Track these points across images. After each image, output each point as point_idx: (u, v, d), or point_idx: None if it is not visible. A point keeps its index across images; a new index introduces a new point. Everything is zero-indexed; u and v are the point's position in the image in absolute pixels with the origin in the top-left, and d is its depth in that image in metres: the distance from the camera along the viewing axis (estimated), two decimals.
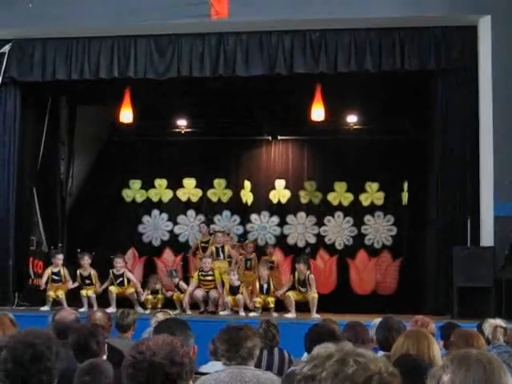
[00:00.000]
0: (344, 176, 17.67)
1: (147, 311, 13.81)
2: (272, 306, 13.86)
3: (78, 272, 14.35)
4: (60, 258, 14.43)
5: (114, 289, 14.05)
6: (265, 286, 14.04)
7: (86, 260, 14.33)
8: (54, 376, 3.44)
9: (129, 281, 14.32)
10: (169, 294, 14.75)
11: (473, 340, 5.88)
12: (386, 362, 2.26)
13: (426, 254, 14.97)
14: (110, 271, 14.25)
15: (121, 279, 14.23)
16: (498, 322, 7.19)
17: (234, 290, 13.84)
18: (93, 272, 14.33)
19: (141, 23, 13.50)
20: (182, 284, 14.47)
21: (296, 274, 13.94)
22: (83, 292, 14.10)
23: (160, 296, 14.62)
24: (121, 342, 6.80)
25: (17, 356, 3.36)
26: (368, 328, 6.65)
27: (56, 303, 13.77)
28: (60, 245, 16.23)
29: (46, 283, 14.10)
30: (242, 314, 13.58)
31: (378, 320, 6.70)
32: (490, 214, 12.61)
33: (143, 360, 2.93)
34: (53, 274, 14.20)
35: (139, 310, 13.89)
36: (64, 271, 14.31)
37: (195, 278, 14.29)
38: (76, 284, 14.31)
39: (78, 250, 14.84)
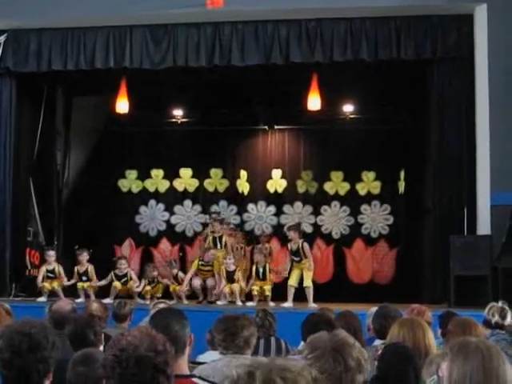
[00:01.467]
0: (340, 165, 17.63)
1: (147, 301, 13.79)
2: (268, 294, 13.85)
3: (75, 269, 14.30)
4: (51, 254, 14.31)
5: (118, 284, 14.05)
6: (261, 269, 14.01)
7: (84, 256, 14.29)
8: (51, 365, 3.44)
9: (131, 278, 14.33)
10: (165, 281, 14.72)
11: (470, 328, 5.88)
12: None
13: (422, 243, 14.98)
14: (112, 272, 14.23)
15: (125, 279, 14.23)
16: (500, 304, 7.22)
17: (229, 275, 13.82)
18: (90, 267, 14.28)
19: (136, 13, 13.48)
20: (181, 274, 14.46)
21: (289, 245, 13.90)
22: (79, 284, 14.10)
23: (160, 285, 14.58)
24: (118, 332, 6.80)
25: (14, 345, 3.36)
26: (360, 317, 6.66)
27: (52, 294, 13.76)
28: (55, 242, 16.19)
29: (42, 280, 14.08)
30: (239, 303, 13.58)
31: (374, 309, 6.71)
32: (486, 203, 12.63)
33: (129, 356, 2.90)
34: (47, 271, 14.15)
35: (139, 300, 13.90)
36: (59, 268, 14.24)
37: (194, 265, 14.30)
38: (72, 281, 14.26)
39: (76, 247, 14.81)
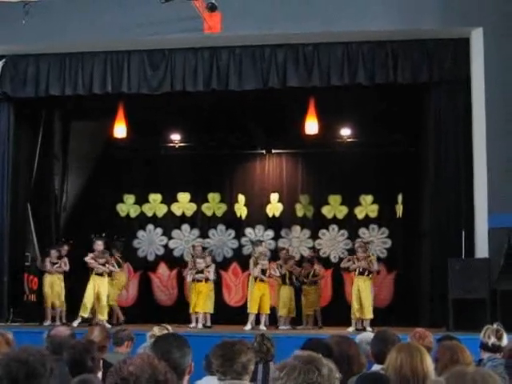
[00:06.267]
0: (338, 189, 17.63)
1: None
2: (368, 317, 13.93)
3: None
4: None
5: None
6: None
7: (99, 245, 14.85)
8: None
9: None
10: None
11: (457, 353, 5.77)
12: None
13: (420, 266, 14.97)
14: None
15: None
16: (495, 326, 7.19)
17: None
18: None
19: (134, 38, 13.53)
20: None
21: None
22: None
23: None
24: (116, 358, 6.76)
25: (11, 374, 3.34)
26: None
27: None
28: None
29: None
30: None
31: (363, 335, 6.71)
32: (484, 226, 12.63)
33: None
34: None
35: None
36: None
37: None
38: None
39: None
